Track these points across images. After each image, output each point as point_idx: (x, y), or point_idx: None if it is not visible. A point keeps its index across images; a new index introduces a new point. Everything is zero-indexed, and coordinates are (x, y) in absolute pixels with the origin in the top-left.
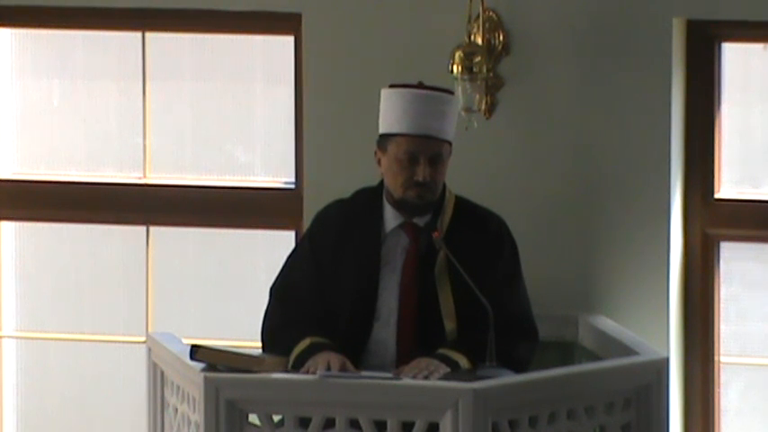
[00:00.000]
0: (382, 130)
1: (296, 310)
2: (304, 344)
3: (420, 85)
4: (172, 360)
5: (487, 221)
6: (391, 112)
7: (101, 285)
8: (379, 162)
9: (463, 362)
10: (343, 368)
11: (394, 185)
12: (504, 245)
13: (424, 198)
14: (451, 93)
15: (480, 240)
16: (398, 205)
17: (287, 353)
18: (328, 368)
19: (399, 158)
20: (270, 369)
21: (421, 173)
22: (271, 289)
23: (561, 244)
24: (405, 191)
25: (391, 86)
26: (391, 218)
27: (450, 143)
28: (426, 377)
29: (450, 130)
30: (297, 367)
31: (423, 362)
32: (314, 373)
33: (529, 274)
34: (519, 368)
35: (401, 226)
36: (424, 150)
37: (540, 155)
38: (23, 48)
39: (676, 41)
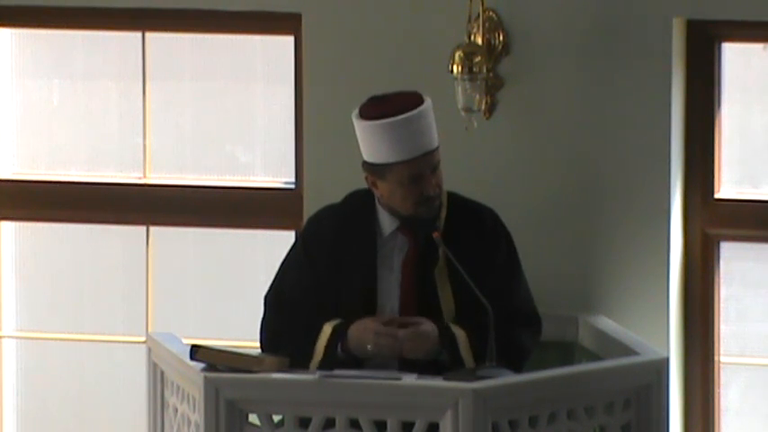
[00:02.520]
0: (372, 159)
1: (293, 315)
2: (326, 333)
3: (386, 101)
4: (172, 360)
5: (482, 216)
6: (381, 144)
7: (101, 285)
8: (374, 184)
9: (462, 337)
10: (390, 321)
11: (403, 206)
12: (500, 238)
13: (434, 209)
14: (421, 97)
15: (476, 235)
16: (409, 222)
17: (294, 358)
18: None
19: (402, 183)
20: (270, 369)
21: (430, 187)
22: (265, 298)
23: (561, 244)
24: (417, 208)
25: (364, 116)
26: (387, 221)
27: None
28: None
29: (436, 135)
30: (331, 355)
31: (420, 327)
32: (372, 351)
33: (529, 274)
34: (522, 356)
35: (398, 228)
36: (425, 167)
37: (540, 155)
38: (23, 48)
39: (676, 41)
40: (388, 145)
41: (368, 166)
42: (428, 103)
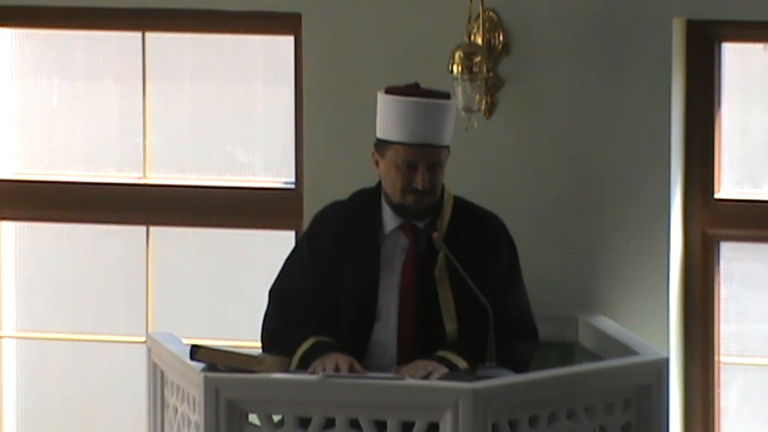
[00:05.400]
0: (380, 135)
1: (295, 312)
2: (308, 343)
3: (416, 87)
4: (172, 360)
5: (486, 222)
6: (389, 119)
7: (101, 285)
8: (376, 164)
9: (462, 365)
10: (351, 369)
11: (392, 190)
12: (502, 245)
13: (423, 203)
14: (449, 96)
15: (479, 241)
16: (397, 209)
17: (287, 354)
18: (336, 369)
19: (398, 165)
20: (270, 369)
21: (420, 181)
22: (270, 291)
23: (561, 244)
24: (403, 196)
25: (388, 91)
26: (390, 219)
27: (448, 147)
28: (425, 378)
29: (448, 135)
30: (302, 367)
31: (422, 363)
32: (321, 372)
33: (529, 275)
34: (519, 369)
35: (400, 227)
36: (422, 159)
37: (540, 155)
38: (23, 48)
39: (676, 41)
40: (396, 123)
41: (376, 142)
42: (452, 103)
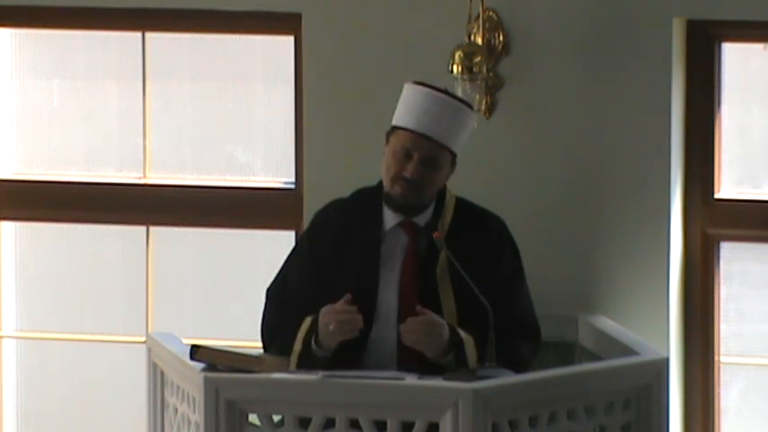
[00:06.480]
0: (393, 120)
1: (294, 309)
2: (306, 324)
3: (444, 91)
4: (172, 360)
5: (488, 222)
6: (403, 106)
7: (101, 285)
8: (384, 152)
9: (470, 342)
10: (347, 303)
11: (385, 178)
12: (504, 246)
13: (408, 198)
14: (471, 107)
15: (481, 241)
16: (387, 200)
17: (287, 352)
18: (333, 325)
19: (395, 152)
20: (270, 369)
21: (410, 170)
22: (267, 290)
23: (561, 244)
24: (392, 185)
25: (416, 83)
26: (390, 217)
27: (451, 152)
28: (418, 342)
29: (454, 140)
30: (306, 349)
31: (429, 323)
32: (333, 331)
33: (529, 275)
34: (521, 369)
35: (400, 224)
36: (419, 148)
37: (540, 155)
38: (23, 48)
39: (676, 41)
40: (407, 109)
41: (387, 130)
42: (472, 113)
